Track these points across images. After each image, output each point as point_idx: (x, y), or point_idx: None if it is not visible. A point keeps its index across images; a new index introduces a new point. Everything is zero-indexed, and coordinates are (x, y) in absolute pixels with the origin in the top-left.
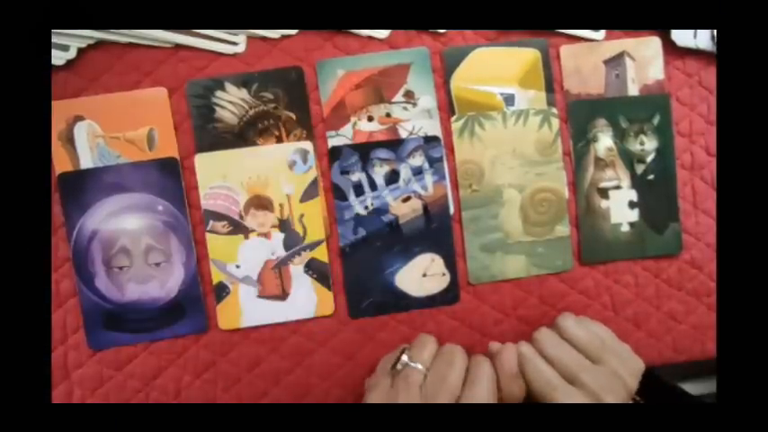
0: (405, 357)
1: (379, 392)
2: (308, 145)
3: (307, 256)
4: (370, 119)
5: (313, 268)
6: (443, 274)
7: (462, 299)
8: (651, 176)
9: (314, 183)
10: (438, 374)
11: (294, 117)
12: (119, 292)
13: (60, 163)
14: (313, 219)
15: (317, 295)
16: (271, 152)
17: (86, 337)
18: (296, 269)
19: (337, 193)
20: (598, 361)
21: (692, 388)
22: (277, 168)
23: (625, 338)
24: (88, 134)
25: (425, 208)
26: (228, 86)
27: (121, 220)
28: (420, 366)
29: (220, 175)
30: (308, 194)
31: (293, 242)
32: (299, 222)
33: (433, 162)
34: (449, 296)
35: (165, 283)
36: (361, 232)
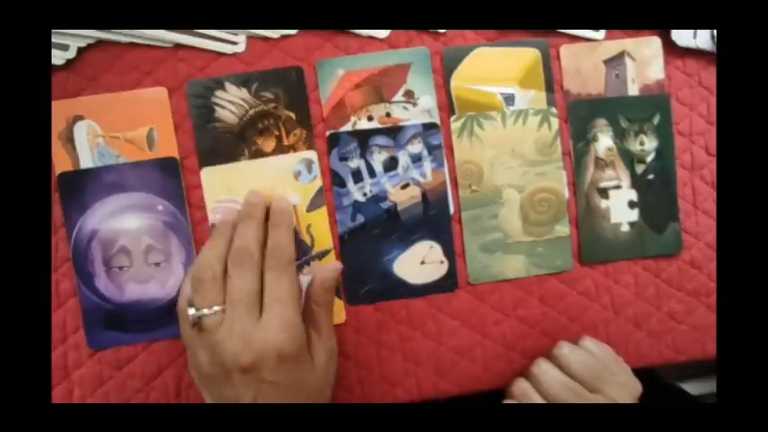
0: (191, 311)
1: (192, 360)
2: (312, 155)
3: (316, 265)
4: (370, 118)
5: None
6: (441, 262)
7: (462, 299)
8: (651, 176)
9: (319, 192)
10: (232, 316)
11: (294, 117)
12: (119, 292)
13: (60, 163)
14: (320, 228)
15: None
16: (276, 163)
17: (86, 337)
18: (306, 279)
19: (336, 180)
20: (596, 391)
21: (692, 388)
22: (282, 179)
23: (625, 339)
24: (88, 134)
25: (424, 195)
26: (228, 86)
27: (121, 220)
28: (213, 309)
29: (226, 188)
30: (314, 204)
31: (301, 252)
32: (306, 232)
33: (432, 149)
34: (447, 283)
35: (165, 283)
36: (360, 219)
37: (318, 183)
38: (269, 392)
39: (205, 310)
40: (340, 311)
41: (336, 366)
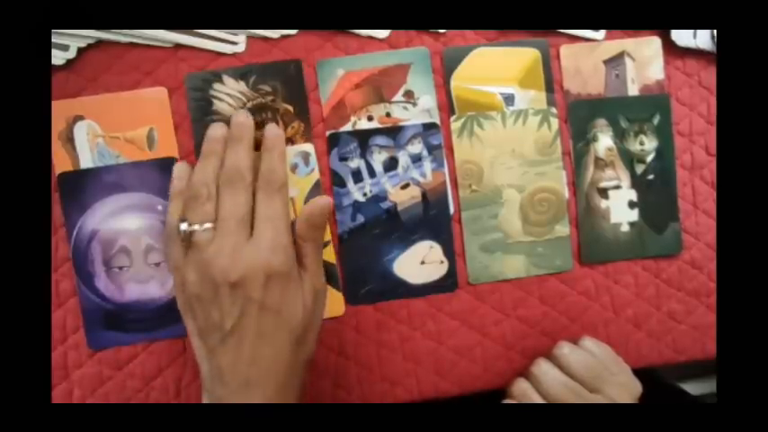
0: (183, 226)
1: (176, 272)
2: (309, 147)
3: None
4: (370, 119)
5: None
6: (441, 262)
7: (462, 299)
8: (651, 176)
9: (317, 185)
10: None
11: (292, 110)
12: (119, 292)
13: (60, 163)
14: None
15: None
16: None
17: (86, 337)
18: None
19: (336, 180)
20: (596, 391)
21: (692, 388)
22: None
23: (625, 339)
24: (88, 134)
25: (424, 195)
26: (226, 79)
27: (121, 220)
28: (205, 226)
29: None
30: (312, 196)
31: None
32: None
33: (432, 149)
34: (447, 283)
35: (164, 283)
36: (360, 219)
37: (316, 175)
38: (254, 313)
39: (196, 226)
40: (339, 305)
41: (323, 308)
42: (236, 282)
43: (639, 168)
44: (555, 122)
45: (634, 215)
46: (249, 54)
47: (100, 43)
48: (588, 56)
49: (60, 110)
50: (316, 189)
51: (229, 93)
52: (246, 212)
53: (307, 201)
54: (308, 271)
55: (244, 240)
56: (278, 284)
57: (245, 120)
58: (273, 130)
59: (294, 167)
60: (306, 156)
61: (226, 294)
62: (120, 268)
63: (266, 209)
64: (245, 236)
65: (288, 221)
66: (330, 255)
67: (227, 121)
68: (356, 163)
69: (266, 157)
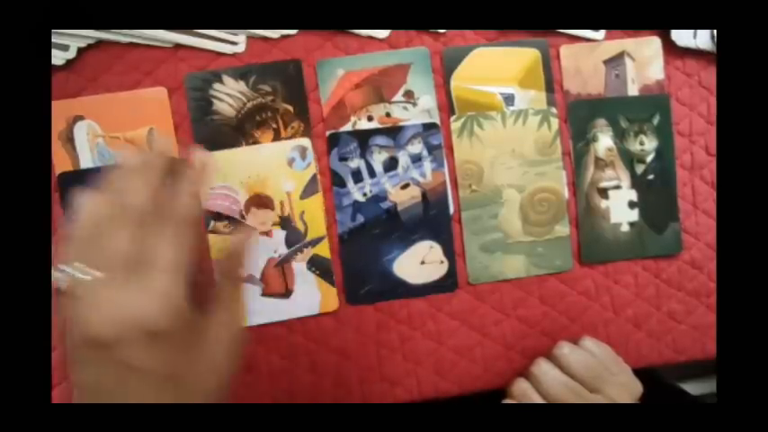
0: (57, 275)
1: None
2: (306, 142)
3: (309, 252)
4: (370, 119)
5: (316, 264)
6: (441, 262)
7: (462, 299)
8: (651, 176)
9: (313, 179)
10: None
11: (292, 110)
12: None
13: (60, 163)
14: (314, 215)
15: (321, 291)
16: (269, 150)
17: None
18: (299, 266)
19: (336, 180)
20: (596, 391)
21: (692, 388)
22: (276, 166)
23: (625, 339)
24: (88, 134)
25: (424, 195)
26: (226, 79)
27: None
28: (77, 272)
29: (220, 176)
30: (308, 191)
31: (295, 239)
32: (299, 219)
33: (432, 149)
34: (447, 283)
35: None
36: (360, 219)
37: (312, 170)
38: (135, 379)
39: (69, 270)
40: (333, 301)
41: (237, 361)
42: (107, 341)
43: (639, 168)
44: (555, 122)
45: (634, 215)
46: (249, 54)
47: (100, 43)
48: (588, 56)
49: (60, 110)
50: (312, 183)
51: (229, 93)
52: (132, 255)
53: (303, 196)
54: (220, 313)
55: (123, 289)
56: (164, 345)
57: (162, 146)
58: (202, 157)
59: (291, 161)
60: (302, 150)
61: (94, 356)
62: None
63: (156, 250)
64: (126, 283)
65: (181, 264)
66: (325, 250)
67: (227, 122)
68: (356, 163)
69: (177, 187)
